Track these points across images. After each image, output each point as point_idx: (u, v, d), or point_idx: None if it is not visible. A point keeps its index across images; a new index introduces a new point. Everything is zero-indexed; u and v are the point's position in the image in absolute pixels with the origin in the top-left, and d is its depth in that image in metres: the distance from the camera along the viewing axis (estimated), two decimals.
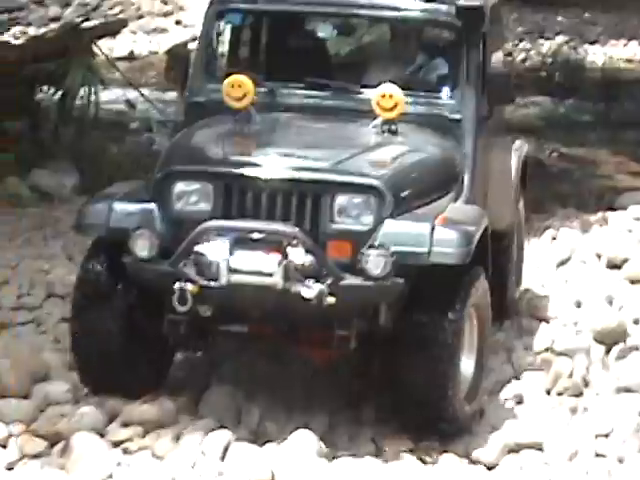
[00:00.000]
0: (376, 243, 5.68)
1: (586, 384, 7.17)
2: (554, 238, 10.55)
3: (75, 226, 6.61)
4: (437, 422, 6.02)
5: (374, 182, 5.86)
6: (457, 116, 6.70)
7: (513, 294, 8.01)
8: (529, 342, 7.85)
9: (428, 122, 6.69)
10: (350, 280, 5.66)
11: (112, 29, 15.29)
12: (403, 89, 6.55)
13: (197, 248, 5.69)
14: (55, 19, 23.59)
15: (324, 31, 7.25)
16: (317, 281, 5.59)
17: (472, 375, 6.24)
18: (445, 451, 6.12)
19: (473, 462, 6.27)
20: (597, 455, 6.24)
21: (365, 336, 6.00)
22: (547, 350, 7.64)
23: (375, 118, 6.54)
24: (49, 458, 5.95)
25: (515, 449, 6.26)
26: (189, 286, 5.64)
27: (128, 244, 5.88)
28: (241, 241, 5.67)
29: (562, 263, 9.74)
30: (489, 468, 6.23)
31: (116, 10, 24.49)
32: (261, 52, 7.49)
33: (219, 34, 7.22)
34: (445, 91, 6.85)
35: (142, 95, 15.13)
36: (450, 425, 6.06)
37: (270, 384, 6.72)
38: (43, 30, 21.79)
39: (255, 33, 7.51)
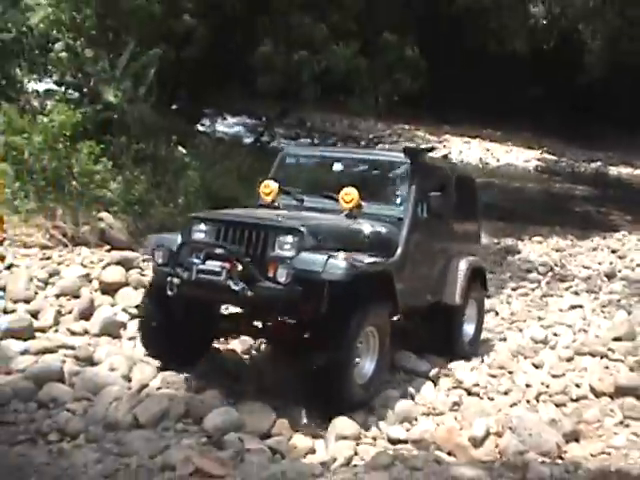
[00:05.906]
0: (286, 262, 5.50)
1: (599, 288, 10.36)
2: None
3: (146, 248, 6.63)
4: (337, 403, 5.71)
5: (298, 227, 5.70)
6: (401, 216, 6.62)
7: (462, 346, 7.59)
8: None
9: (385, 219, 6.60)
10: (266, 283, 5.49)
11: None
12: (373, 200, 6.66)
13: (188, 258, 5.66)
14: None
15: (335, 167, 7.20)
16: (246, 282, 5.46)
17: (372, 371, 5.95)
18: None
19: (506, 303, 8.17)
20: (593, 311, 8.35)
21: (285, 326, 5.99)
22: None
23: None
24: None
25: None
26: (175, 280, 5.60)
27: (152, 256, 5.98)
28: (211, 255, 5.60)
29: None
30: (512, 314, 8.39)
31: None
32: (300, 177, 7.54)
33: (282, 165, 7.43)
34: (396, 201, 6.77)
35: None
36: (348, 404, 5.76)
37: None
38: None
39: (299, 165, 7.63)
